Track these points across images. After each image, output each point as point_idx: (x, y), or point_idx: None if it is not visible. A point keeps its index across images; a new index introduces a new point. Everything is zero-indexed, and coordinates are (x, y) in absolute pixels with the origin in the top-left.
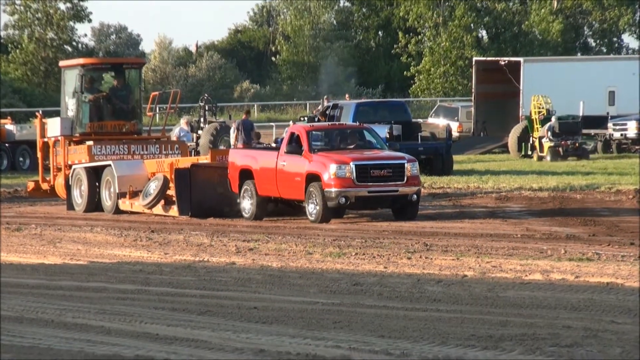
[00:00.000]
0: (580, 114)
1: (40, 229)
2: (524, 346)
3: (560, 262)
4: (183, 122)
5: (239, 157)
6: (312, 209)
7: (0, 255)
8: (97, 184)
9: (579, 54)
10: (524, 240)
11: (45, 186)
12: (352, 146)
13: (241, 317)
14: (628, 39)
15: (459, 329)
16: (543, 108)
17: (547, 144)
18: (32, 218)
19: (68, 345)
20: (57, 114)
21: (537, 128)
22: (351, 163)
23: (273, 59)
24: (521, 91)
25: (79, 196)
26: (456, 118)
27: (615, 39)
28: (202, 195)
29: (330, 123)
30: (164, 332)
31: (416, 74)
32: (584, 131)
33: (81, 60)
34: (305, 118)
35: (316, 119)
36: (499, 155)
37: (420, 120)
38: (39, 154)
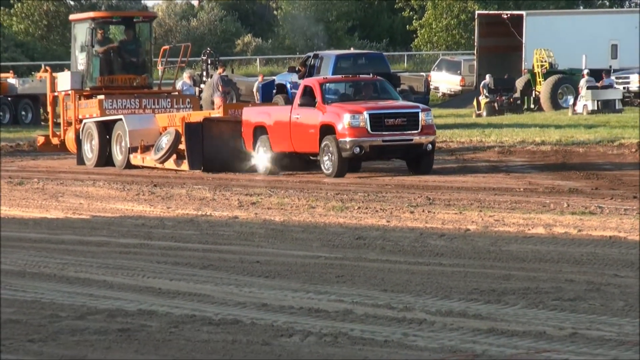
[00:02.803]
0: (583, 67)
1: (43, 183)
2: (527, 300)
3: (563, 215)
4: (185, 76)
5: (252, 114)
6: (327, 162)
7: (0, 209)
8: (107, 138)
9: (581, 8)
10: (527, 194)
11: (55, 141)
12: (366, 97)
13: (243, 271)
14: None
15: (462, 283)
16: (545, 61)
17: (483, 100)
18: (35, 172)
19: (70, 300)
20: (59, 67)
21: (540, 82)
22: (365, 112)
23: (275, 12)
24: (524, 45)
25: (90, 151)
26: (459, 72)
27: None
28: (215, 150)
29: (343, 75)
30: (167, 287)
31: (419, 28)
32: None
33: (91, 14)
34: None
35: (297, 69)
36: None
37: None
38: (48, 109)
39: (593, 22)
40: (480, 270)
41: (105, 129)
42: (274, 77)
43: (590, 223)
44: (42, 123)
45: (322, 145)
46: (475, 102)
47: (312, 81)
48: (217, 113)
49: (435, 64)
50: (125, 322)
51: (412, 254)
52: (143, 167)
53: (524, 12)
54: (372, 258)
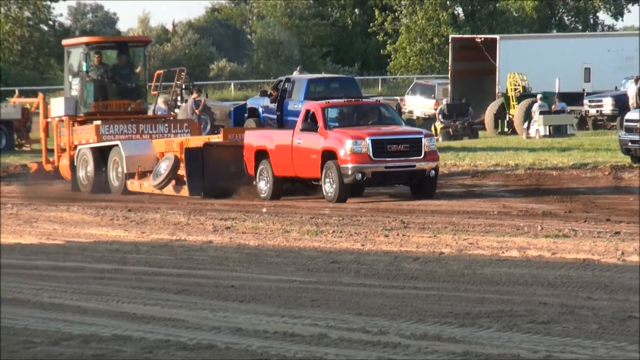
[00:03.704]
0: (557, 91)
1: (17, 208)
2: (501, 323)
3: (536, 238)
4: (160, 101)
5: (254, 138)
6: (329, 187)
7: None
8: (103, 164)
9: (554, 31)
10: (501, 217)
11: (48, 167)
12: (368, 122)
13: (218, 295)
14: (603, 16)
15: (436, 306)
16: (519, 85)
17: (438, 126)
18: (9, 198)
19: (44, 325)
20: (33, 93)
21: (514, 105)
22: (367, 138)
23: (249, 37)
24: (497, 68)
25: (85, 177)
26: (433, 95)
27: (590, 16)
28: (215, 175)
29: (346, 99)
30: (141, 312)
31: (393, 52)
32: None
33: (85, 39)
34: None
35: (269, 93)
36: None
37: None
38: (41, 135)
39: (566, 46)
40: (454, 294)
41: (101, 155)
42: (245, 101)
43: (564, 246)
44: (16, 149)
45: (324, 170)
46: (432, 128)
47: (314, 105)
48: (217, 138)
49: (410, 87)
50: (100, 348)
51: (387, 277)
52: (141, 193)
53: (497, 36)
54: (346, 282)
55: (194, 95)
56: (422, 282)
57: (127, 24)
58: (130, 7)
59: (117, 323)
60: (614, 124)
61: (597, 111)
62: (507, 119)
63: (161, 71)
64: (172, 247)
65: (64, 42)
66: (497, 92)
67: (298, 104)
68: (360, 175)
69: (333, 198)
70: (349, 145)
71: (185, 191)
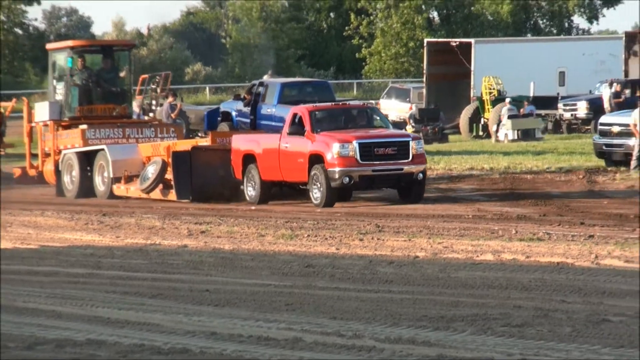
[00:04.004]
0: (531, 95)
1: None
2: (476, 326)
3: (511, 242)
4: (135, 105)
5: (241, 142)
6: (316, 192)
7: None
8: (88, 169)
9: (529, 35)
10: (475, 221)
11: (32, 172)
12: (356, 126)
13: (193, 300)
14: (578, 20)
15: (411, 309)
16: (494, 89)
17: (409, 130)
18: None
19: (19, 330)
20: (6, 97)
21: (489, 109)
22: (354, 141)
23: (223, 41)
24: (472, 72)
25: (70, 182)
26: (408, 99)
27: (565, 20)
28: (203, 178)
29: (333, 103)
30: (116, 316)
31: (368, 56)
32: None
33: (70, 43)
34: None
35: (242, 97)
36: (450, 136)
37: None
38: (25, 139)
39: (541, 50)
40: (429, 297)
41: (86, 159)
42: (219, 105)
43: (538, 249)
44: None
45: (311, 174)
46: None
47: (301, 109)
48: (205, 142)
49: (385, 91)
50: (74, 352)
51: (362, 281)
52: (127, 197)
53: (472, 40)
54: (321, 286)
55: (170, 99)
56: (396, 285)
57: (101, 28)
58: (105, 11)
59: (91, 327)
60: (589, 127)
61: (572, 115)
62: (482, 122)
63: (146, 75)
64: (147, 251)
65: (48, 46)
66: (472, 95)
67: (271, 108)
68: (347, 178)
69: (320, 203)
70: (336, 149)
71: (173, 195)
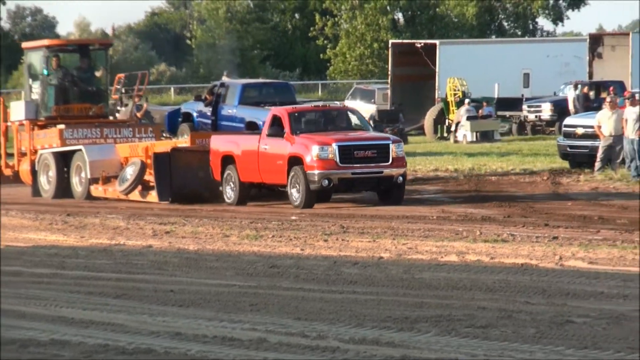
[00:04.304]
0: (496, 96)
1: None
2: (440, 327)
3: (475, 243)
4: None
5: (220, 143)
6: (295, 192)
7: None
8: (65, 169)
9: (494, 37)
10: (440, 222)
11: (8, 172)
12: (335, 128)
13: (157, 300)
14: (543, 22)
15: (375, 310)
16: (459, 90)
17: None
18: None
19: None
20: None
21: (453, 110)
22: (334, 144)
23: (188, 42)
24: (437, 73)
25: (47, 182)
26: (373, 100)
27: (529, 22)
28: (183, 180)
29: (313, 104)
30: (80, 316)
31: (333, 57)
32: (500, 113)
33: (46, 42)
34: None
35: (203, 98)
36: (415, 137)
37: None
38: (1, 139)
39: (505, 52)
40: (393, 298)
41: (63, 159)
42: (179, 106)
43: (503, 250)
44: None
45: (290, 176)
46: None
47: (280, 111)
48: (184, 143)
49: (350, 92)
50: (38, 353)
51: (326, 282)
52: (105, 198)
53: (437, 41)
54: (285, 286)
55: (136, 99)
56: (361, 286)
57: (66, 28)
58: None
59: (55, 327)
60: (553, 129)
61: (536, 116)
62: (447, 124)
63: (122, 75)
64: (111, 251)
65: (24, 45)
66: (436, 97)
67: (232, 109)
68: (326, 181)
69: (300, 205)
70: (315, 151)
71: (152, 197)
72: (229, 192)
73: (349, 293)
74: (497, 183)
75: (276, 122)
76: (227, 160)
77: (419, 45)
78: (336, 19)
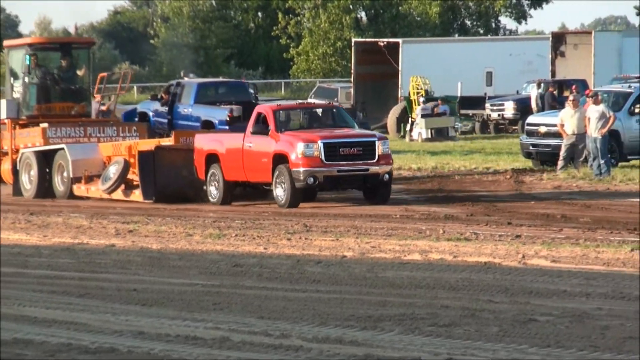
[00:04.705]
0: (459, 95)
1: None
2: (403, 326)
3: (438, 242)
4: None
5: (205, 141)
6: (280, 190)
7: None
8: (47, 168)
9: (456, 36)
10: (403, 221)
11: None
12: (321, 125)
13: (120, 299)
14: (505, 20)
15: (339, 309)
16: (422, 89)
17: None
18: None
19: None
20: None
21: (416, 109)
22: (319, 141)
23: (151, 41)
24: (400, 72)
25: (28, 182)
26: (336, 99)
27: (492, 21)
28: (167, 179)
29: (298, 102)
30: (43, 315)
31: (296, 55)
32: (463, 111)
33: (28, 40)
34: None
35: (159, 97)
36: None
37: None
38: None
39: (468, 50)
40: (356, 297)
41: (45, 158)
42: (136, 106)
43: (466, 249)
44: None
45: (275, 174)
46: None
47: (265, 108)
48: (168, 141)
49: (313, 91)
50: (1, 352)
51: (289, 280)
52: (87, 197)
53: (400, 40)
54: (249, 285)
55: (97, 98)
56: (324, 285)
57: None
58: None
59: (18, 327)
60: (516, 127)
61: (499, 115)
62: (410, 122)
63: (104, 74)
64: (74, 250)
65: (5, 42)
66: (399, 95)
67: (188, 108)
68: (312, 179)
69: (285, 203)
70: (300, 149)
71: (136, 195)
72: (214, 192)
73: (313, 292)
74: (460, 182)
75: (260, 119)
76: (211, 158)
77: (382, 44)
78: (299, 17)
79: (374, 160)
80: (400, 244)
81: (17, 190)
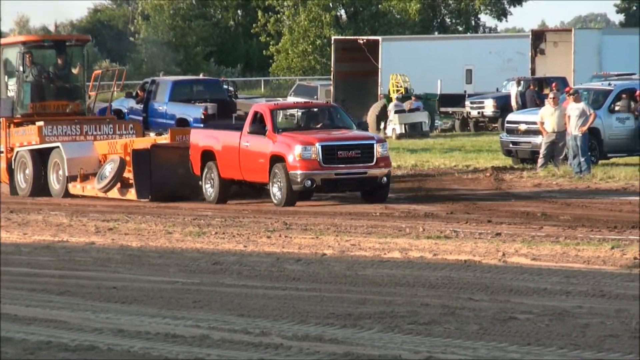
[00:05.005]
0: (438, 92)
1: None
2: (383, 324)
3: (418, 240)
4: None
5: (200, 137)
6: (277, 191)
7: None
8: (42, 167)
9: (436, 33)
10: (383, 219)
11: None
12: (319, 126)
13: (100, 297)
14: (485, 18)
15: (318, 307)
16: (401, 86)
17: None
18: None
19: None
20: None
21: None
22: (317, 144)
23: (132, 38)
24: (380, 70)
25: (23, 180)
26: (315, 97)
27: (472, 18)
28: (163, 177)
29: (295, 101)
30: (23, 313)
31: (275, 53)
32: (442, 109)
33: (22, 38)
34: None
35: (134, 94)
36: None
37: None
38: None
39: (448, 48)
40: (336, 295)
41: (40, 157)
42: (110, 103)
43: (446, 247)
44: None
45: (272, 174)
46: None
47: (262, 107)
48: (164, 139)
49: (292, 89)
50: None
51: (269, 278)
52: (83, 196)
53: (379, 38)
54: (228, 283)
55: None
56: (304, 283)
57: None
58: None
59: None
60: (496, 125)
61: (479, 113)
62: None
63: (99, 71)
64: (54, 248)
65: (1, 41)
66: (379, 93)
67: (163, 106)
68: (309, 182)
69: (280, 202)
70: (298, 151)
71: (131, 194)
72: (209, 190)
73: (292, 290)
74: (440, 179)
75: (257, 118)
76: (207, 155)
77: (361, 42)
78: (279, 15)
79: (373, 163)
80: (380, 242)
81: (13, 189)
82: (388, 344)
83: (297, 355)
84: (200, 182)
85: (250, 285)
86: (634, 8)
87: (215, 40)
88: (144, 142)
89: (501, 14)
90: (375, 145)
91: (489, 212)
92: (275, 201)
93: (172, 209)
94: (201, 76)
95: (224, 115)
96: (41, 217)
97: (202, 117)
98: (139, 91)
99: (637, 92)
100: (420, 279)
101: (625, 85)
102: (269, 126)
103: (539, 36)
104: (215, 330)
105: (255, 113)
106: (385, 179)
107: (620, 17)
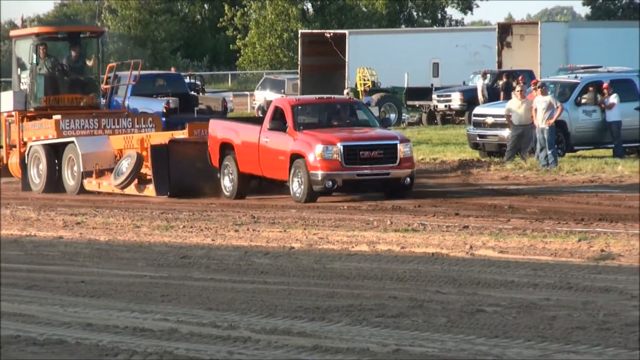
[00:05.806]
0: (405, 86)
1: None
2: (351, 317)
3: (386, 233)
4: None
5: (219, 129)
6: (297, 187)
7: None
8: (56, 162)
9: (403, 27)
10: (351, 212)
11: None
12: (341, 123)
13: (68, 291)
14: (451, 11)
15: (287, 300)
16: (368, 80)
17: None
18: None
19: None
20: None
21: (362, 100)
22: (339, 144)
23: None
24: (347, 63)
25: (37, 176)
26: (283, 90)
27: (438, 11)
28: (181, 173)
29: (317, 97)
30: None
31: (242, 47)
32: (409, 103)
33: (35, 29)
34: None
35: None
36: None
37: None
38: None
39: (415, 41)
40: (304, 288)
41: (54, 152)
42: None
43: (413, 240)
44: None
45: (292, 170)
46: None
47: (283, 102)
48: (182, 134)
49: (259, 83)
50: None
51: (237, 272)
52: (99, 192)
53: (346, 31)
54: (197, 277)
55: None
56: (272, 276)
57: None
58: None
59: None
60: (463, 118)
61: (446, 106)
62: None
63: (114, 64)
64: (22, 242)
65: (12, 33)
66: (346, 86)
67: (125, 100)
68: (330, 183)
69: (301, 199)
70: (319, 151)
71: (149, 191)
72: (228, 185)
73: (260, 283)
74: None
75: (278, 114)
76: (226, 147)
77: (328, 35)
78: (245, 9)
79: (396, 164)
80: (347, 235)
81: (25, 184)
82: (356, 336)
83: (265, 348)
84: (218, 175)
85: (218, 279)
86: (600, 1)
87: (182, 34)
88: (161, 137)
89: (467, 7)
90: (398, 145)
91: (457, 205)
92: (294, 196)
93: (139, 202)
94: (172, 71)
95: (186, 110)
96: (9, 212)
97: (164, 111)
98: (104, 85)
99: (604, 85)
100: (388, 272)
101: (591, 78)
102: (289, 122)
103: (505, 29)
104: (184, 323)
105: (276, 108)
106: (408, 179)
107: (587, 10)
